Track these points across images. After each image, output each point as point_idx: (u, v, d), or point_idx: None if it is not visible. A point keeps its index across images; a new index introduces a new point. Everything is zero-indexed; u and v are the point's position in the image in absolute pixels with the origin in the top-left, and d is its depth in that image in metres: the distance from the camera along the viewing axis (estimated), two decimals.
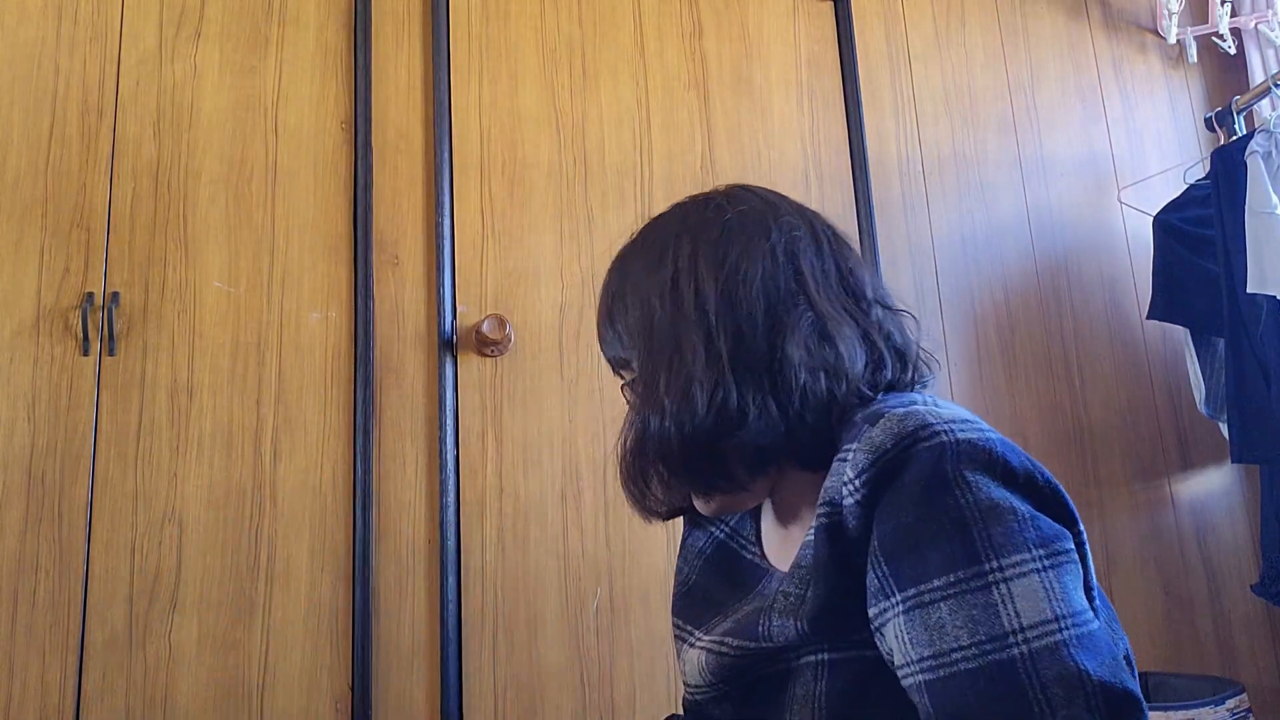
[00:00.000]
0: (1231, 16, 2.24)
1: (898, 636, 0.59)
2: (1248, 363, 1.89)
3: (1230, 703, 1.80)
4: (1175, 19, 2.23)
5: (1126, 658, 0.64)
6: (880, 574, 0.60)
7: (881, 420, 0.62)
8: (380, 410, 1.66)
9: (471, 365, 1.72)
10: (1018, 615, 0.55)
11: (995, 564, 0.56)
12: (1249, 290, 1.82)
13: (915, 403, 0.66)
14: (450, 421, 1.68)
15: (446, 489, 1.65)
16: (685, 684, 0.78)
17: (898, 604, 0.59)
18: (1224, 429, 2.00)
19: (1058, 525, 0.60)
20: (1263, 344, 1.86)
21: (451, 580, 1.62)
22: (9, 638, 1.45)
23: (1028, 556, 0.57)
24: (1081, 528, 0.62)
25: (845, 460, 0.63)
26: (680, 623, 0.82)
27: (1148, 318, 2.08)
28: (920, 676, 0.57)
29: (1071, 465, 2.01)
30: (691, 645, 0.77)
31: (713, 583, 0.81)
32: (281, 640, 1.55)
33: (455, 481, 1.66)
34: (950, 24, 2.18)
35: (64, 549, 1.49)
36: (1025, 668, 0.53)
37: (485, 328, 1.69)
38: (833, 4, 2.09)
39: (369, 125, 1.76)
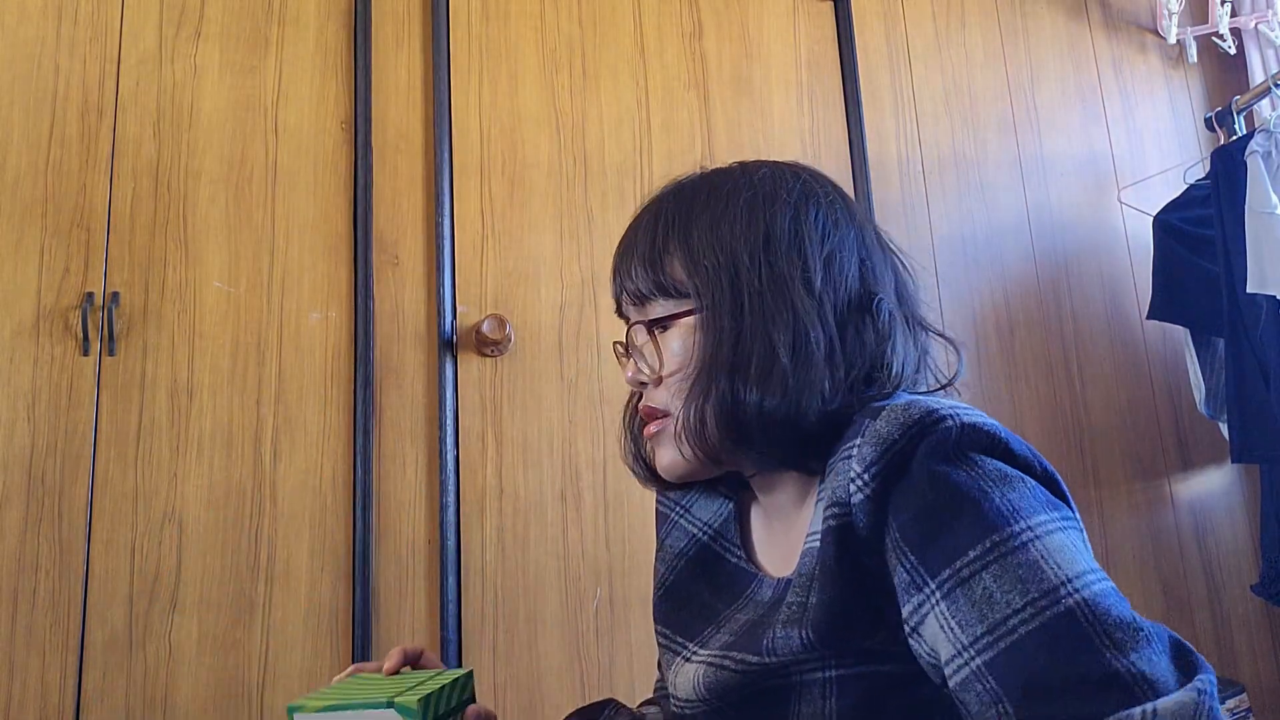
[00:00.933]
0: (1231, 16, 2.24)
1: (943, 626, 0.56)
2: (1247, 363, 1.89)
3: (1230, 703, 1.80)
4: (1175, 19, 2.23)
5: None
6: (909, 565, 0.58)
7: (884, 413, 0.61)
8: (380, 410, 1.66)
9: (471, 365, 1.72)
10: (1060, 567, 0.54)
11: (1025, 523, 0.56)
12: (1249, 290, 1.82)
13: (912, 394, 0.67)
14: (450, 421, 1.68)
15: (446, 489, 1.65)
16: (674, 698, 0.74)
17: (934, 591, 0.56)
18: (1224, 429, 2.00)
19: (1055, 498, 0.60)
20: (1262, 344, 1.86)
21: (451, 580, 1.62)
22: (9, 638, 1.45)
23: (1048, 518, 0.57)
24: (1078, 517, 0.62)
25: (850, 457, 0.61)
26: (668, 632, 0.78)
27: (1148, 318, 2.08)
28: (977, 660, 0.54)
29: (1071, 465, 2.01)
30: (687, 660, 0.73)
31: (695, 586, 0.78)
32: (281, 640, 1.55)
33: (455, 481, 1.66)
34: (950, 24, 2.18)
35: (64, 549, 1.49)
36: (1085, 615, 0.52)
37: (485, 328, 1.69)
38: (833, 4, 2.08)
39: (369, 125, 1.76)
